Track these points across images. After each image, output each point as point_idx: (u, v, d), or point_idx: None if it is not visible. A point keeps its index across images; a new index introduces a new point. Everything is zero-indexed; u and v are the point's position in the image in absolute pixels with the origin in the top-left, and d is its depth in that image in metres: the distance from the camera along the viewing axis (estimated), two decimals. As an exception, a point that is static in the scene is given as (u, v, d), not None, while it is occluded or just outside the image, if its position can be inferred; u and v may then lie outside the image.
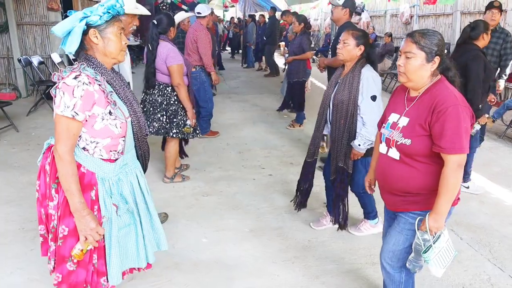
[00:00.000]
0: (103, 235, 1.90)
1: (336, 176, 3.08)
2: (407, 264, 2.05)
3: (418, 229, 1.95)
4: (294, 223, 3.45)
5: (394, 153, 2.00)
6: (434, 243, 1.91)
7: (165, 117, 3.86)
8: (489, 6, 4.70)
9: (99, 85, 1.81)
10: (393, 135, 1.98)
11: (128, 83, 3.03)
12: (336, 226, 3.27)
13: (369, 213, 3.26)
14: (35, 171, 4.12)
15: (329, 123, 3.07)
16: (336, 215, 3.17)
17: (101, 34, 1.83)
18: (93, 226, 1.80)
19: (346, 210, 3.16)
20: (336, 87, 2.98)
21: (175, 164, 4.26)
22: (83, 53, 1.88)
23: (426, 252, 1.91)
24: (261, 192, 4.06)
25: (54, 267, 1.96)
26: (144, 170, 2.22)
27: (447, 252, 1.97)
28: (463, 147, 1.81)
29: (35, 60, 7.55)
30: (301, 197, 3.41)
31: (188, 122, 3.90)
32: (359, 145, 2.88)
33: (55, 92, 1.78)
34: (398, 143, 1.96)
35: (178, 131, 3.91)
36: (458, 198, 2.04)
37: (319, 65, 4.79)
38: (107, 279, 1.98)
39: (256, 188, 4.16)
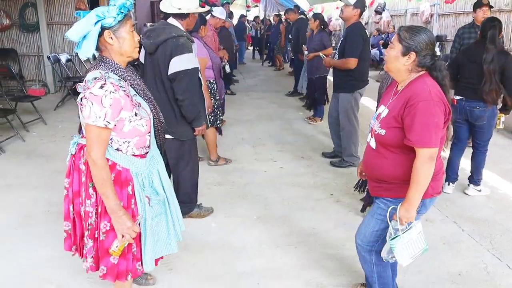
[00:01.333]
0: (139, 226, 2.00)
1: None
2: (381, 253, 2.15)
3: (390, 219, 2.04)
4: (300, 212, 3.62)
5: (373, 143, 2.13)
6: (403, 233, 2.00)
7: None
8: (479, 5, 4.80)
9: (124, 90, 1.85)
10: (374, 125, 2.11)
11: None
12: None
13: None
14: (60, 160, 4.44)
15: None
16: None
17: (116, 34, 1.86)
18: (129, 225, 1.88)
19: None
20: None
21: (216, 149, 4.70)
22: (99, 54, 1.92)
23: (393, 239, 2.01)
24: (271, 183, 4.24)
25: (91, 265, 2.03)
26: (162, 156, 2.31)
27: (417, 244, 2.04)
28: (431, 141, 1.87)
29: (63, 58, 7.92)
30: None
31: (208, 111, 4.20)
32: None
33: (82, 102, 1.80)
34: (375, 132, 2.08)
35: None
36: (439, 192, 2.12)
37: (324, 64, 4.95)
38: (141, 263, 2.08)
39: (267, 180, 4.34)
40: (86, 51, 1.81)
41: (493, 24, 3.64)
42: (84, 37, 1.80)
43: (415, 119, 1.88)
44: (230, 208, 3.68)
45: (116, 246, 1.92)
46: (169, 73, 2.97)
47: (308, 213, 3.60)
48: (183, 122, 3.12)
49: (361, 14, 4.42)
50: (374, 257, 2.28)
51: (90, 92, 1.78)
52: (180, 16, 3.07)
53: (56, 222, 3.34)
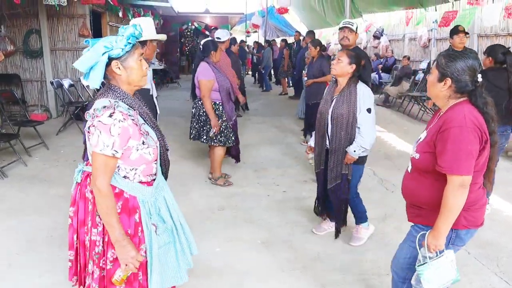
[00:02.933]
0: (145, 254, 1.97)
1: (339, 182, 3.30)
2: (411, 280, 2.10)
3: (419, 245, 2.01)
4: (304, 236, 3.60)
5: (409, 166, 2.14)
6: (431, 261, 1.95)
7: (197, 125, 4.54)
8: (455, 31, 5.04)
9: (132, 119, 1.85)
10: (413, 149, 2.11)
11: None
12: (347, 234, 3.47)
13: (361, 217, 3.48)
14: (62, 185, 4.44)
15: (327, 136, 3.32)
16: (338, 220, 3.44)
17: (123, 64, 1.85)
18: (133, 254, 1.85)
19: (345, 212, 3.45)
20: (334, 102, 3.25)
21: (220, 168, 4.87)
22: (107, 83, 1.91)
23: (420, 266, 1.98)
24: (274, 207, 4.23)
25: None
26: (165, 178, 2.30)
27: (447, 273, 1.97)
28: (461, 169, 1.83)
29: (66, 83, 8.00)
30: (322, 203, 3.61)
31: (212, 130, 4.44)
32: (354, 151, 3.18)
33: (90, 130, 1.79)
34: (411, 156, 2.09)
35: (207, 137, 4.56)
36: (478, 225, 2.04)
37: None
38: None
39: (270, 204, 4.33)
40: (94, 82, 1.80)
41: (507, 50, 3.83)
42: (92, 67, 1.79)
43: (447, 145, 1.86)
44: (234, 232, 3.66)
45: (119, 276, 1.90)
46: None
47: (312, 237, 3.58)
48: None
49: (356, 36, 4.34)
50: (406, 286, 2.24)
51: (99, 121, 1.77)
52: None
53: (59, 248, 3.32)
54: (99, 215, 1.91)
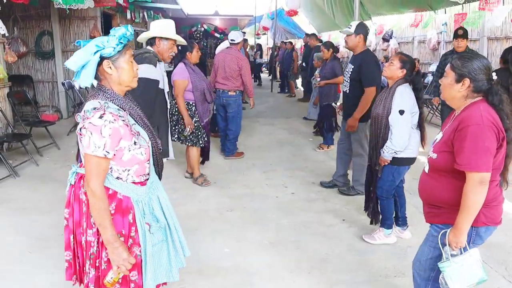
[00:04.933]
0: (140, 253, 1.99)
1: (371, 179, 3.45)
2: (440, 279, 2.09)
3: (442, 244, 2.02)
4: (312, 237, 3.61)
5: (426, 166, 2.16)
6: (452, 257, 1.98)
7: (170, 124, 4.47)
8: (454, 36, 5.53)
9: (123, 120, 1.86)
10: (430, 150, 2.14)
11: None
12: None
13: (386, 220, 3.46)
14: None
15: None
16: (374, 212, 3.53)
17: (115, 64, 1.87)
18: (125, 256, 1.87)
19: (377, 210, 3.52)
20: (375, 102, 3.39)
21: (198, 167, 4.94)
22: (98, 83, 1.92)
23: (442, 263, 2.00)
24: (282, 208, 4.24)
25: None
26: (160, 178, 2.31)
27: (472, 272, 1.97)
28: (480, 165, 1.86)
29: (77, 84, 8.08)
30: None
31: (187, 129, 4.54)
32: (384, 152, 3.23)
33: (82, 131, 1.80)
34: (428, 156, 2.12)
35: (178, 136, 4.71)
36: (497, 223, 2.05)
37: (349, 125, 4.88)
38: None
39: (278, 205, 4.34)
40: (85, 81, 1.82)
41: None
42: (83, 66, 1.81)
43: (465, 143, 1.89)
44: (242, 233, 3.69)
45: (111, 277, 1.91)
46: None
47: (320, 238, 3.59)
48: None
49: (365, 38, 4.32)
50: (430, 286, 2.23)
51: (90, 122, 1.78)
52: (150, 42, 3.40)
53: (70, 246, 3.37)
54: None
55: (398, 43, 12.26)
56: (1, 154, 5.14)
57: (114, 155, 1.85)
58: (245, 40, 13.32)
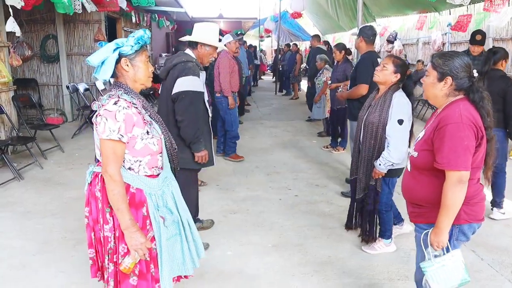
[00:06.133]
0: (155, 246, 2.04)
1: (367, 193, 3.24)
2: (422, 282, 2.09)
3: (423, 244, 2.02)
4: (315, 240, 3.59)
5: (409, 165, 2.16)
6: (434, 258, 1.97)
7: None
8: (471, 42, 5.46)
9: (136, 107, 1.97)
10: (412, 148, 2.15)
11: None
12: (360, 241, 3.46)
13: (385, 232, 3.37)
14: (77, 187, 4.52)
15: (360, 143, 3.25)
16: (364, 229, 3.37)
17: (132, 63, 2.00)
18: (142, 240, 1.92)
19: (375, 225, 3.34)
20: (369, 109, 3.16)
21: None
22: (114, 80, 2.05)
23: (424, 263, 1.99)
24: (285, 211, 4.23)
25: (114, 287, 2.06)
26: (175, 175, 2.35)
27: (454, 273, 1.97)
28: (459, 164, 1.87)
29: (81, 87, 8.14)
30: (353, 214, 3.51)
31: None
32: (380, 164, 3.05)
33: (97, 120, 1.91)
34: (410, 154, 2.13)
35: None
36: (480, 220, 2.05)
37: (338, 97, 5.05)
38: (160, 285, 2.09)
39: (281, 208, 4.33)
40: (104, 75, 1.96)
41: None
42: (103, 62, 1.95)
43: (444, 142, 1.90)
44: (245, 236, 3.68)
45: (128, 263, 1.94)
46: (172, 93, 3.08)
47: (323, 241, 3.57)
48: (186, 149, 3.15)
49: (366, 41, 4.41)
50: None
51: (105, 109, 1.90)
52: (191, 45, 3.27)
53: (73, 249, 3.38)
54: (108, 212, 1.98)
55: (403, 45, 12.21)
56: (6, 157, 5.18)
57: (128, 142, 1.93)
58: (244, 42, 13.38)
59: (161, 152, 2.08)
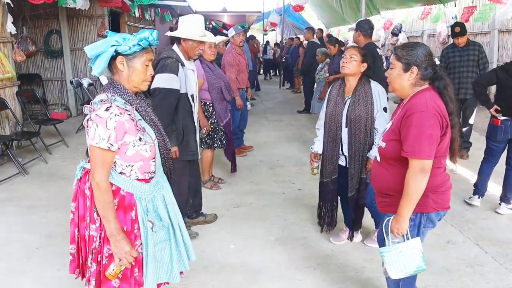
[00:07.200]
0: (141, 250, 2.00)
1: (358, 188, 3.18)
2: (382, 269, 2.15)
3: (385, 231, 2.09)
4: (318, 234, 3.59)
5: (378, 155, 2.19)
6: (392, 244, 2.03)
7: None
8: (452, 35, 5.63)
9: (129, 114, 1.89)
10: (380, 139, 2.18)
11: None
12: (355, 240, 3.45)
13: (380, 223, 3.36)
14: (81, 181, 4.51)
15: (341, 141, 3.14)
16: (354, 225, 3.37)
17: (128, 63, 1.91)
18: (127, 249, 1.89)
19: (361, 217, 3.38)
20: (348, 104, 3.06)
21: (209, 171, 4.70)
22: (111, 78, 1.98)
23: (383, 248, 2.06)
24: (289, 205, 4.23)
25: (95, 287, 2.02)
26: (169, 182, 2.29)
27: (410, 260, 2.01)
28: (422, 153, 1.91)
29: (85, 82, 8.15)
30: (328, 218, 3.43)
31: (203, 131, 4.16)
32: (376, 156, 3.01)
33: (88, 123, 1.85)
34: (378, 145, 2.16)
35: None
36: (446, 208, 2.10)
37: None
38: None
39: (285, 201, 4.33)
40: (97, 69, 1.89)
41: None
42: (99, 55, 1.88)
43: (410, 130, 1.94)
44: (248, 229, 3.68)
45: (113, 270, 1.93)
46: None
47: (326, 235, 3.56)
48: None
49: (364, 34, 4.46)
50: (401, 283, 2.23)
51: (96, 114, 1.83)
52: (176, 40, 3.25)
53: (77, 243, 3.39)
54: (96, 212, 1.94)
55: (407, 37, 12.13)
56: (11, 152, 5.21)
57: (119, 148, 1.88)
58: (251, 37, 13.30)
59: (154, 158, 2.03)
